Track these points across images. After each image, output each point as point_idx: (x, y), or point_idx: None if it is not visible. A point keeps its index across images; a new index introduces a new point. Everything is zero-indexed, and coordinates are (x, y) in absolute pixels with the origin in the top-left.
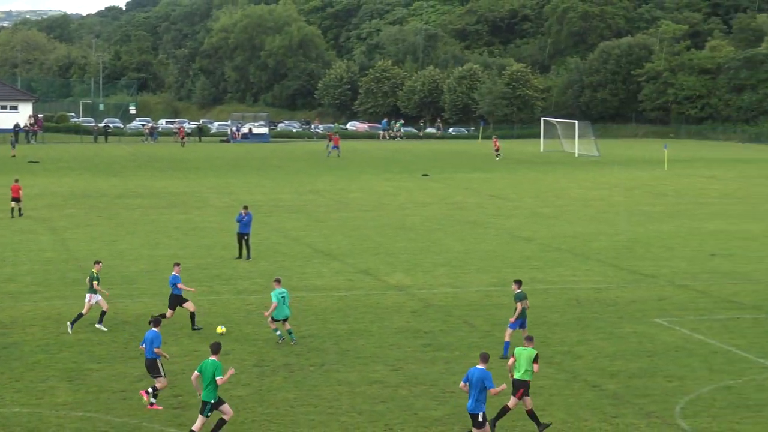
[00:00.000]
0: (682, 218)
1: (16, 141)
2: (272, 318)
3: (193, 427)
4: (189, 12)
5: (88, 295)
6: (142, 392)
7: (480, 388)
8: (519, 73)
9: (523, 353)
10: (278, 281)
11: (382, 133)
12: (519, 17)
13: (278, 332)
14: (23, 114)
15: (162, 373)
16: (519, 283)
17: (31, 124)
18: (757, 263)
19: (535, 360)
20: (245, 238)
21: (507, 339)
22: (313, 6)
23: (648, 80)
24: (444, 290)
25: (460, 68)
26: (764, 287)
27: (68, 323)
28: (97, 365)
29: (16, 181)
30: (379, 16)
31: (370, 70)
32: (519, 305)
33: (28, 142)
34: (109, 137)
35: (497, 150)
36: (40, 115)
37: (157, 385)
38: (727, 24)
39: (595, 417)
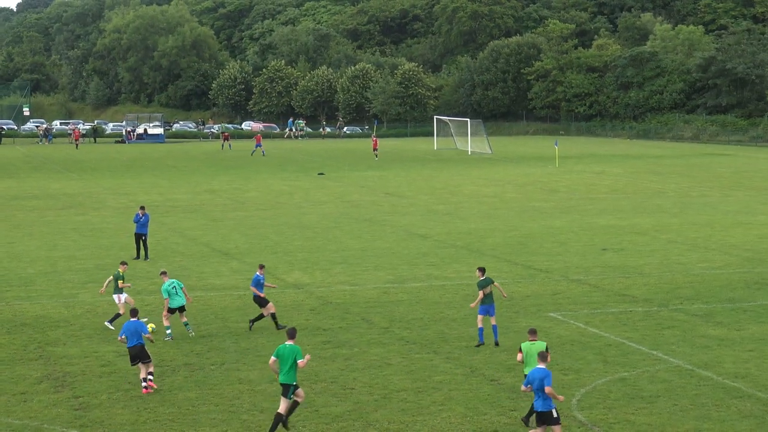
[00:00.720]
0: (574, 214)
1: None
2: (168, 310)
3: (279, 410)
4: (81, 13)
5: (115, 296)
6: (144, 390)
7: (541, 386)
8: (411, 73)
9: (532, 348)
10: (164, 273)
11: (287, 131)
12: (410, 17)
13: (169, 331)
14: None
15: (150, 357)
16: (482, 270)
17: None
18: (647, 257)
19: (546, 351)
20: (143, 238)
21: (479, 325)
22: (205, 7)
23: (537, 78)
24: (342, 288)
25: (352, 68)
26: (655, 280)
27: (106, 323)
28: None
29: None
30: (271, 16)
31: (264, 70)
32: (481, 292)
33: None
34: (3, 139)
35: (376, 150)
36: None
37: (151, 369)
38: (613, 23)
39: (494, 410)
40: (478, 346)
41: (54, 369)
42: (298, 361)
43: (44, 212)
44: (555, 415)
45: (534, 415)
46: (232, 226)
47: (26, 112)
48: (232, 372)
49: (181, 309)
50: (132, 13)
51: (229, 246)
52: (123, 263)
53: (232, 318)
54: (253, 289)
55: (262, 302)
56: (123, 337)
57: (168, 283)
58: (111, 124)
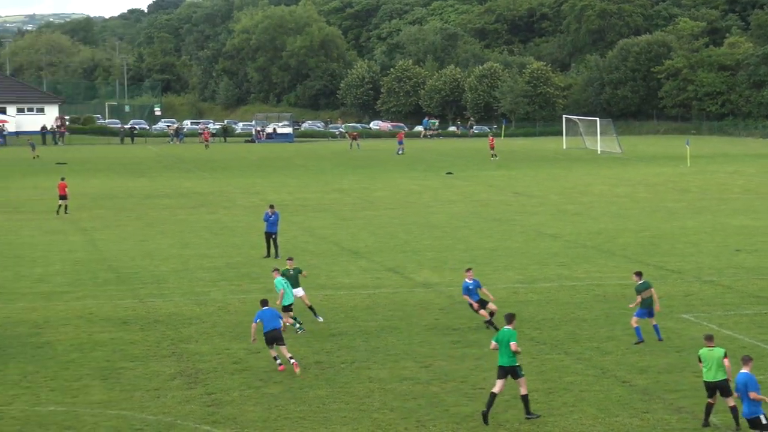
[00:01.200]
0: (706, 214)
1: (44, 143)
2: (283, 307)
3: (493, 390)
4: (210, 14)
5: (296, 290)
6: (296, 367)
7: (746, 391)
8: (539, 72)
9: (712, 354)
10: (277, 270)
11: (423, 131)
12: (537, 16)
13: (297, 325)
14: (49, 116)
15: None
16: (639, 274)
17: (57, 126)
18: None
19: (725, 356)
20: (273, 236)
21: (635, 325)
22: (333, 6)
23: (668, 77)
24: None
25: (480, 67)
26: None
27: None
28: (130, 363)
29: (63, 179)
30: (398, 16)
31: (391, 69)
32: (639, 297)
33: (55, 143)
34: (135, 138)
35: (493, 149)
36: (66, 117)
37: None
38: (745, 20)
39: (626, 412)
40: (637, 343)
41: (187, 366)
42: (511, 344)
43: (176, 211)
44: (764, 421)
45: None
46: (361, 225)
47: (157, 111)
48: (362, 370)
49: (289, 308)
50: (260, 14)
51: (358, 245)
52: (290, 259)
53: (361, 317)
54: (465, 298)
55: (481, 304)
56: (258, 321)
57: (280, 279)
58: (240, 124)
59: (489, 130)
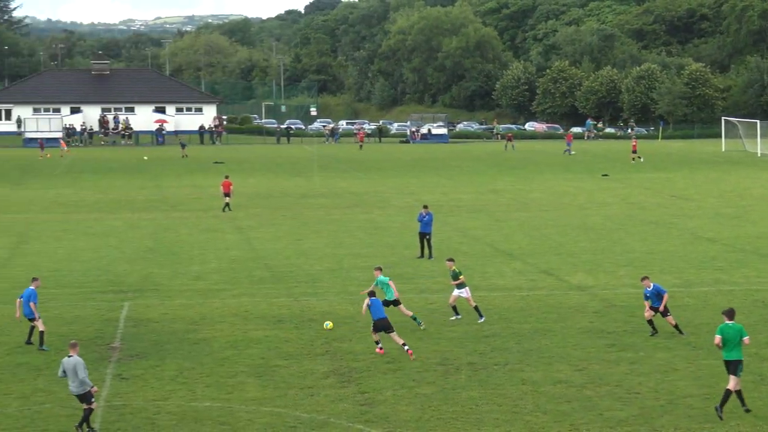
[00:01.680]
0: None
1: (201, 142)
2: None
3: (729, 387)
4: (366, 15)
5: (457, 291)
6: (410, 353)
7: None
8: (698, 73)
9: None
10: (379, 269)
11: (586, 132)
12: (697, 16)
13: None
14: (207, 116)
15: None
16: None
17: (215, 126)
18: None
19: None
20: (427, 237)
21: None
22: (489, 7)
23: None
24: (626, 291)
25: (637, 68)
26: None
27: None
28: (284, 362)
29: (227, 177)
30: (554, 16)
31: (547, 70)
32: None
33: (213, 143)
34: (291, 138)
35: (635, 151)
36: (223, 117)
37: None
38: None
39: None
40: None
41: (340, 364)
42: (744, 339)
43: (331, 210)
44: None
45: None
46: (515, 227)
47: (313, 111)
48: (515, 372)
49: (395, 303)
50: (416, 15)
51: (512, 246)
52: (450, 260)
53: (515, 319)
54: (646, 304)
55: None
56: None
57: (381, 278)
58: (395, 124)
59: (646, 132)
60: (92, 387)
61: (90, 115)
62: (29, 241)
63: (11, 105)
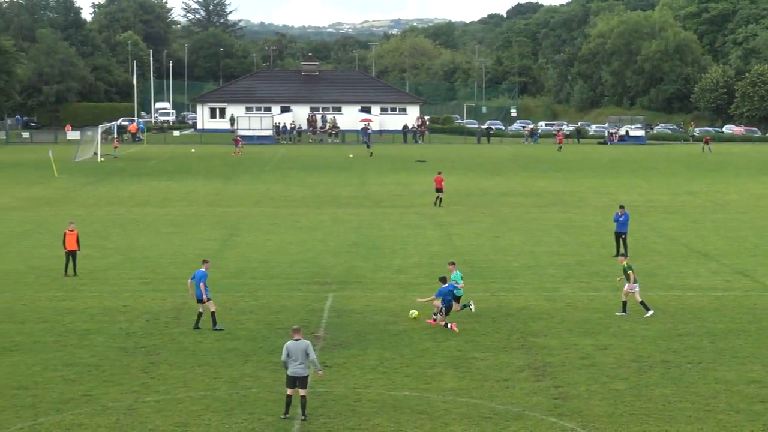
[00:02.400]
0: None
1: (404, 141)
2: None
3: None
4: (567, 18)
5: (627, 285)
6: (453, 326)
7: None
8: None
9: None
10: (453, 264)
11: None
12: None
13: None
14: (411, 116)
15: None
16: None
17: (418, 126)
18: None
19: None
20: (623, 236)
21: None
22: (689, 11)
23: None
24: None
25: None
26: None
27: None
28: (481, 354)
29: (439, 173)
30: (755, 20)
31: (747, 74)
32: None
33: (416, 142)
34: (491, 138)
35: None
36: (426, 117)
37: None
38: None
39: None
40: None
41: (535, 359)
42: None
43: (528, 209)
44: None
45: None
46: (711, 228)
47: (513, 113)
48: (708, 371)
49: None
50: (616, 19)
51: (708, 247)
52: (623, 255)
53: (709, 318)
54: None
55: None
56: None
57: (456, 273)
58: (593, 126)
59: None
60: (320, 370)
61: (299, 114)
62: (240, 233)
63: (225, 104)
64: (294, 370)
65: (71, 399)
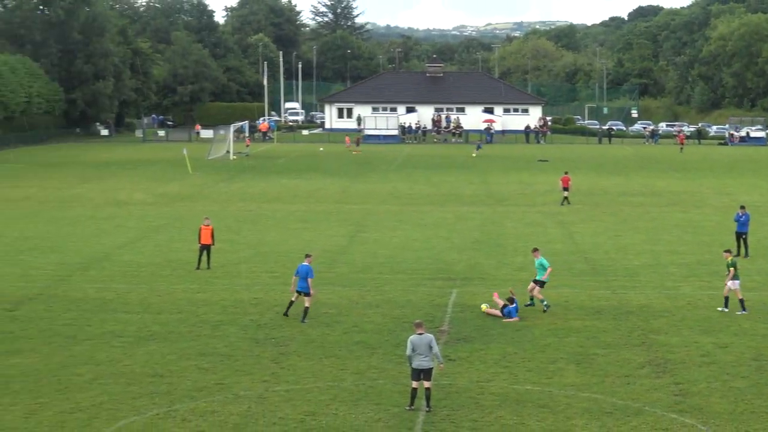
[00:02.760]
0: None
1: (527, 141)
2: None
3: None
4: (688, 21)
5: (730, 282)
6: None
7: None
8: None
9: None
10: (536, 250)
11: None
12: None
13: (544, 302)
14: (533, 117)
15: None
16: None
17: (539, 126)
18: None
19: None
20: (743, 236)
21: None
22: None
23: None
24: None
25: None
26: None
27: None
28: (602, 351)
29: (566, 173)
30: None
31: None
32: None
33: (538, 142)
34: (612, 139)
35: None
36: (548, 118)
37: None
38: None
39: None
40: None
41: (655, 356)
42: None
43: (649, 208)
44: None
45: None
46: None
47: (634, 114)
48: None
49: (542, 284)
50: (737, 21)
51: None
52: (727, 251)
53: None
54: None
55: None
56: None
57: (539, 260)
58: (714, 127)
59: None
60: (442, 363)
61: (424, 114)
62: (366, 230)
63: (352, 104)
64: (419, 363)
65: (204, 387)
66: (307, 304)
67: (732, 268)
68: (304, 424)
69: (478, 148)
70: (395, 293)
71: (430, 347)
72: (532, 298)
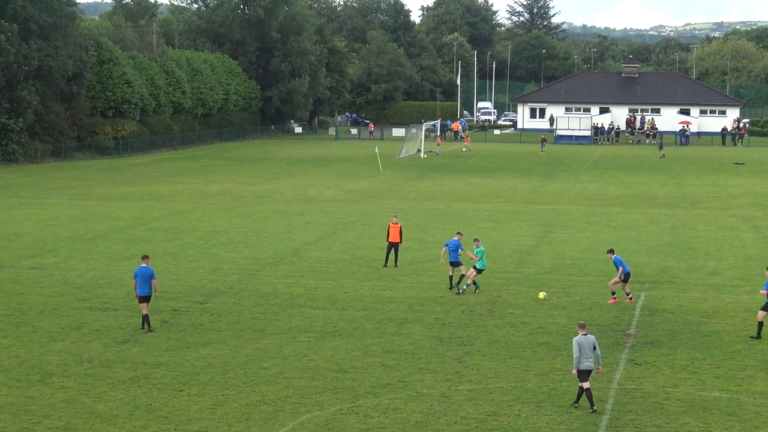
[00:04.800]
0: None
1: (723, 143)
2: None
3: None
4: None
5: None
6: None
7: None
8: None
9: None
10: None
11: None
12: None
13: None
14: (729, 118)
15: None
16: None
17: (737, 128)
18: None
19: None
20: None
21: None
22: None
23: None
24: None
25: None
26: None
27: None
28: None
29: None
30: None
31: None
32: None
33: (734, 144)
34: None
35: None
36: (744, 120)
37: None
38: None
39: None
40: None
41: None
42: None
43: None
44: None
45: None
46: None
47: None
48: None
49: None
50: None
51: None
52: None
53: None
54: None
55: None
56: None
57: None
58: None
59: None
60: (600, 365)
61: (618, 115)
62: (555, 230)
63: (545, 104)
64: (587, 364)
65: (388, 384)
66: (462, 272)
67: None
68: (486, 424)
69: (660, 147)
70: (582, 295)
71: (594, 347)
72: (613, 293)
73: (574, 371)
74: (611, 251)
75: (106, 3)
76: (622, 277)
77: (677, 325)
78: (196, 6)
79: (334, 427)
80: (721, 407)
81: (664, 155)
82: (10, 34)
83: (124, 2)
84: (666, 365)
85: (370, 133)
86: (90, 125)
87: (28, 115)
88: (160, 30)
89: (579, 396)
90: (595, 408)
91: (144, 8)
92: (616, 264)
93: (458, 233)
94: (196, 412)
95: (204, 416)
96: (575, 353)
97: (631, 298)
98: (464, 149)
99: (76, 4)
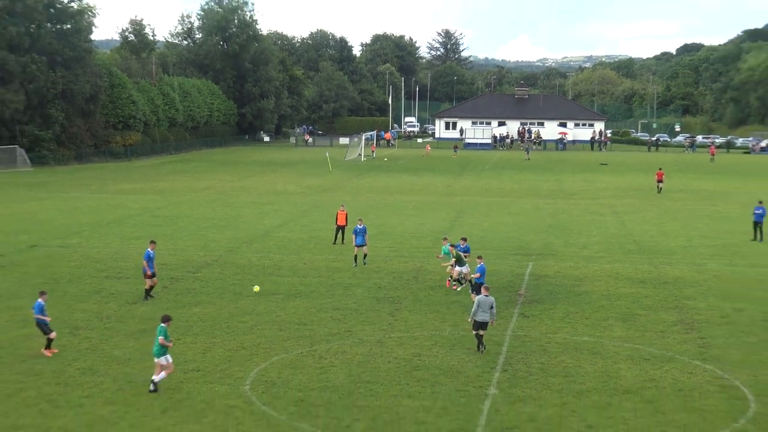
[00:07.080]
0: None
1: (591, 149)
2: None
3: None
4: (724, 56)
5: None
6: None
7: None
8: None
9: None
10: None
11: None
12: None
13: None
14: (596, 129)
15: None
16: None
17: (601, 137)
18: None
19: None
20: (759, 225)
21: None
22: None
23: None
24: None
25: None
26: None
27: None
28: (643, 311)
29: (660, 169)
30: None
31: None
32: None
33: (600, 150)
34: (659, 147)
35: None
36: (607, 131)
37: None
38: None
39: None
40: None
41: (685, 316)
42: None
43: (686, 202)
44: None
45: None
46: None
47: (677, 128)
48: None
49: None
50: (764, 55)
51: None
52: None
53: None
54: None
55: None
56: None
57: (447, 247)
58: (740, 139)
59: None
60: (493, 319)
61: (512, 127)
62: (464, 216)
63: (456, 118)
64: (481, 317)
65: (337, 333)
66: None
67: None
68: (412, 362)
69: (527, 152)
70: (485, 265)
71: (491, 306)
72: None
73: (470, 320)
74: (445, 239)
75: (115, 40)
76: (454, 264)
77: (556, 287)
78: (186, 42)
79: (297, 365)
80: (588, 348)
81: (529, 158)
82: (40, 64)
83: (129, 39)
84: (548, 317)
85: (306, 142)
86: (104, 136)
87: (55, 128)
88: (158, 61)
89: (479, 343)
90: (483, 349)
91: (145, 44)
92: (448, 253)
93: (444, 239)
94: (190, 355)
95: (197, 359)
96: (474, 308)
97: (455, 287)
98: (371, 156)
99: (91, 41)
